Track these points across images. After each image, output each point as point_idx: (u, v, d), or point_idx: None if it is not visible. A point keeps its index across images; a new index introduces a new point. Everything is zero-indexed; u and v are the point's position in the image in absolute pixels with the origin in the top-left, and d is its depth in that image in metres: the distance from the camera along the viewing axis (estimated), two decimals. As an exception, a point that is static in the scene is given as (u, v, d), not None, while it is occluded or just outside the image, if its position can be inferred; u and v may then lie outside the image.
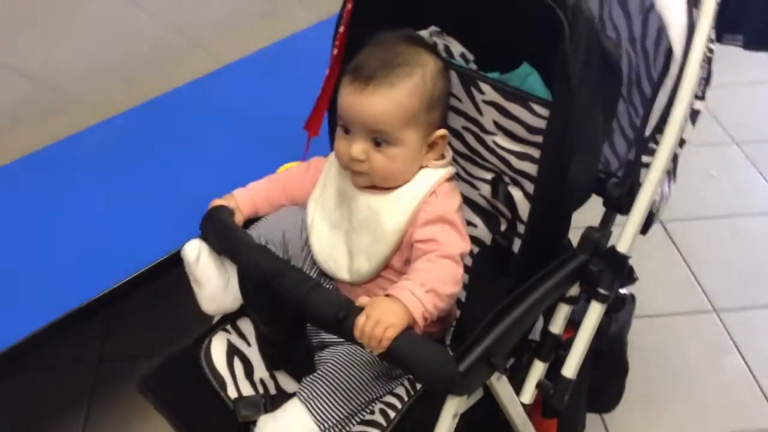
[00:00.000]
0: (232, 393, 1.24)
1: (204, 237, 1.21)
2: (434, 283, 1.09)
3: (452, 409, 1.10)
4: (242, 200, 1.27)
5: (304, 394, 1.17)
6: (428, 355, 1.02)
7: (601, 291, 1.20)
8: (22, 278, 1.52)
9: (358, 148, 1.17)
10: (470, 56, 1.27)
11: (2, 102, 1.81)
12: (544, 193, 1.15)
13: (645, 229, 1.27)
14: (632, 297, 1.52)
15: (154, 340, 1.96)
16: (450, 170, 1.24)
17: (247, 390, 1.25)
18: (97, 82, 1.93)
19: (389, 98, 1.15)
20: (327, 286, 1.28)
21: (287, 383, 1.26)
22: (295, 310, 1.08)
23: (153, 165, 1.80)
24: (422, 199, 1.18)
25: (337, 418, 1.16)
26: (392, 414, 1.19)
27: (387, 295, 1.06)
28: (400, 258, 1.20)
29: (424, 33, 1.29)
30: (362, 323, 1.01)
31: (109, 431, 1.82)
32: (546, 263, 1.17)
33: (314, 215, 1.26)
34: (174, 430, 1.23)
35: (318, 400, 1.16)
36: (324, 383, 1.17)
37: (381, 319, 1.01)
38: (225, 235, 1.18)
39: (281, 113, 1.72)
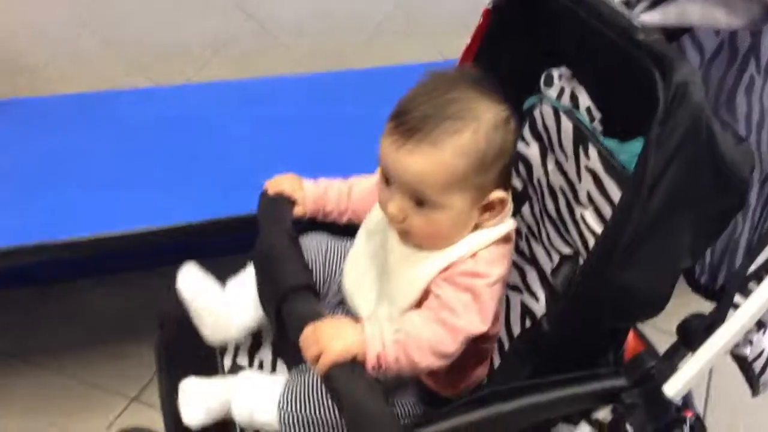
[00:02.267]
0: (227, 362, 1.21)
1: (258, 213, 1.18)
2: (410, 340, 0.96)
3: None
4: (311, 195, 1.19)
5: (291, 376, 1.11)
6: (372, 410, 0.90)
7: (628, 429, 0.99)
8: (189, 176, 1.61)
9: (396, 205, 1.01)
10: (596, 114, 1.09)
11: (224, 32, 1.92)
12: (580, 291, 0.96)
13: (755, 389, 1.04)
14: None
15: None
16: (504, 228, 1.05)
17: (243, 362, 1.21)
18: (310, 38, 1.98)
19: (431, 159, 0.97)
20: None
21: (285, 372, 1.20)
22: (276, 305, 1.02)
23: (329, 129, 1.79)
24: (458, 258, 1.02)
25: (299, 413, 1.06)
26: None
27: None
28: None
29: (554, 72, 1.13)
30: (306, 333, 0.94)
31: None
32: (576, 368, 0.99)
33: (359, 243, 1.15)
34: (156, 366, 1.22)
35: (296, 389, 1.08)
36: (309, 382, 1.08)
37: (320, 337, 0.92)
38: (267, 210, 1.15)
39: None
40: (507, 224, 1.06)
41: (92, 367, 1.76)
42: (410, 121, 0.98)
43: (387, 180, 1.03)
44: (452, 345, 0.99)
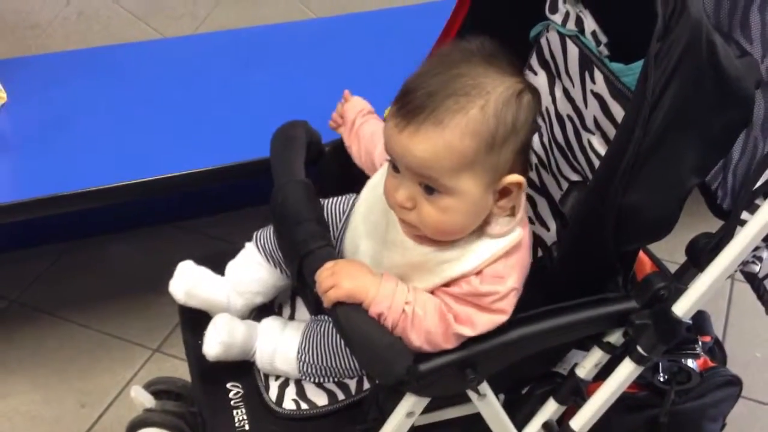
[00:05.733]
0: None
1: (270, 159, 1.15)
2: (414, 320, 0.93)
3: (408, 406, 0.99)
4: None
5: (308, 327, 1.14)
6: (379, 343, 0.92)
7: (639, 350, 0.99)
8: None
9: (405, 193, 0.94)
10: (603, 38, 1.08)
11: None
12: (584, 213, 0.96)
13: (768, 307, 1.03)
14: (735, 380, 1.25)
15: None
16: (514, 237, 0.96)
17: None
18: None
19: (435, 140, 0.90)
20: None
21: (303, 314, 1.22)
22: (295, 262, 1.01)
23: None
24: (459, 275, 0.95)
25: (317, 363, 1.11)
26: (366, 386, 1.10)
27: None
28: None
29: (558, -3, 1.11)
30: (325, 268, 0.94)
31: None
32: (586, 294, 0.99)
33: (358, 210, 1.10)
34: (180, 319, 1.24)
35: (314, 340, 1.12)
36: (326, 331, 1.12)
37: (337, 273, 0.92)
38: (280, 156, 1.12)
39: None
40: (517, 232, 0.97)
41: (116, 320, 1.80)
42: (413, 101, 0.91)
43: (395, 167, 0.96)
44: (446, 344, 0.95)
